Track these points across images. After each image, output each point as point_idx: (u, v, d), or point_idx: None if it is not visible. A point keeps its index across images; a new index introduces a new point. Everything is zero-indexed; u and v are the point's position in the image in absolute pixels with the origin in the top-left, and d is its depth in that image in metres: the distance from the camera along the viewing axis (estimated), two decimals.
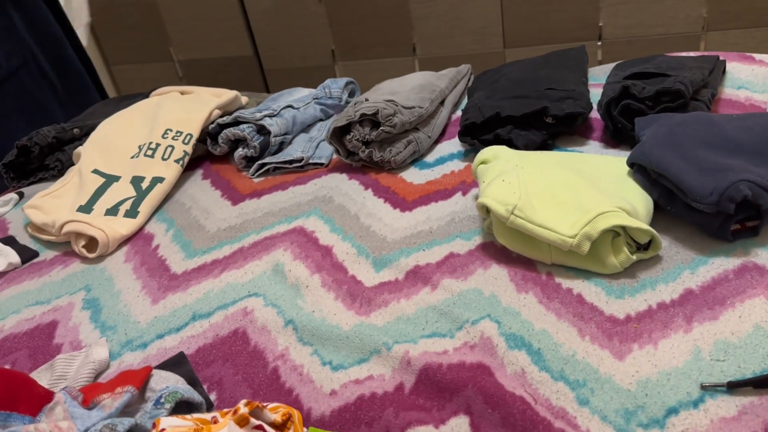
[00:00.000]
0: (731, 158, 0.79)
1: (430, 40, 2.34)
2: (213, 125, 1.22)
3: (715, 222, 0.77)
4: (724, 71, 1.15)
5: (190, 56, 2.43)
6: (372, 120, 1.09)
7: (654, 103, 0.98)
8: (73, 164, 1.26)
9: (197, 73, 2.45)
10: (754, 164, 0.78)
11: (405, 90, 1.19)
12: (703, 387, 0.62)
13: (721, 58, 1.18)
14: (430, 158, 1.13)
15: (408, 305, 0.79)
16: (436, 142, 1.18)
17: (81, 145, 1.25)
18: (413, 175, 1.08)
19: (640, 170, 0.84)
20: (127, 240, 1.05)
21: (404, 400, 0.67)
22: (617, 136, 1.02)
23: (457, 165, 1.08)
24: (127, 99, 1.53)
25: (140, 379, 0.66)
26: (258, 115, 1.18)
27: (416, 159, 1.12)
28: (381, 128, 1.07)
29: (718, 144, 0.82)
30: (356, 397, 0.68)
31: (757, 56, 1.21)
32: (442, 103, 1.22)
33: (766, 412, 0.59)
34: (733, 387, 0.61)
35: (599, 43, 2.24)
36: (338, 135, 1.11)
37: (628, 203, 0.78)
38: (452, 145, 1.15)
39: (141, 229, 1.07)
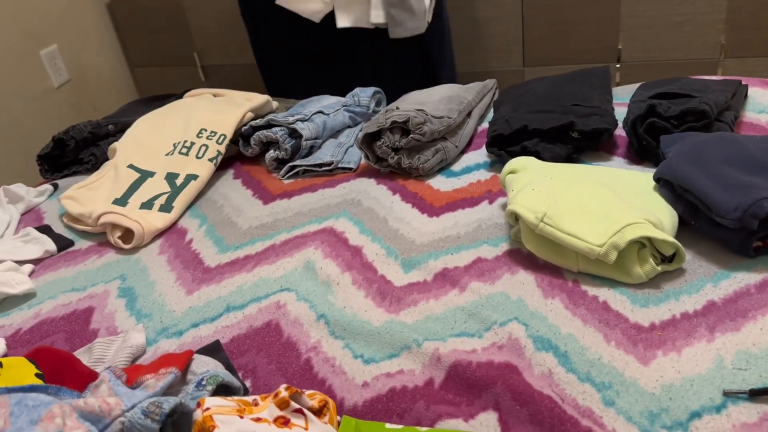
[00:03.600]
0: (755, 176, 0.82)
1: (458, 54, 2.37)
2: (246, 127, 1.25)
3: (737, 238, 0.79)
4: (746, 95, 1.18)
5: (213, 62, 2.48)
6: (402, 128, 1.12)
7: (679, 123, 1.01)
8: (107, 159, 1.30)
9: (220, 79, 2.49)
10: None
11: (433, 101, 1.22)
12: (726, 393, 0.64)
13: (743, 83, 1.21)
14: (456, 167, 1.16)
15: (437, 305, 0.82)
16: (463, 152, 1.21)
17: (115, 140, 1.29)
18: (440, 183, 1.11)
19: (665, 185, 0.87)
20: (160, 234, 1.08)
21: (434, 394, 0.69)
22: (641, 153, 1.05)
23: (483, 174, 1.11)
24: (158, 99, 1.57)
25: (183, 361, 0.69)
26: (291, 119, 1.21)
27: (443, 167, 1.15)
28: (411, 136, 1.10)
29: (741, 162, 0.85)
30: (388, 389, 0.71)
31: None
32: (469, 114, 1.26)
33: None
34: (755, 395, 0.64)
35: (618, 66, 2.27)
36: (368, 141, 1.15)
37: (655, 216, 0.81)
38: (478, 155, 1.18)
39: (174, 223, 1.11)
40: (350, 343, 0.78)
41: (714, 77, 1.26)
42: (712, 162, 0.85)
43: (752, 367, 0.67)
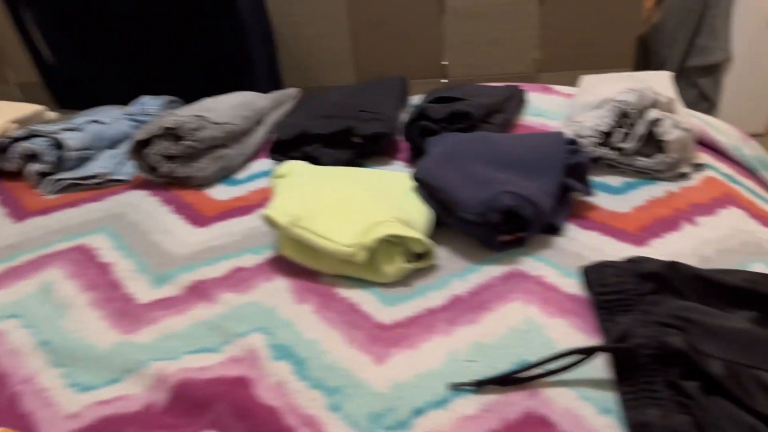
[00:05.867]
0: (501, 172, 0.83)
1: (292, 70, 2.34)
2: (3, 138, 1.12)
3: (483, 232, 0.80)
4: (522, 99, 1.23)
5: (28, 79, 2.26)
6: (177, 134, 1.05)
7: (448, 125, 1.02)
8: None
9: (34, 97, 2.28)
10: (522, 178, 0.83)
11: (221, 107, 1.17)
12: (453, 387, 0.63)
13: (522, 88, 1.27)
14: (241, 175, 1.10)
15: (180, 321, 0.75)
16: (252, 159, 1.16)
17: None
18: (220, 192, 1.05)
19: (422, 185, 0.87)
20: None
21: (152, 419, 0.62)
22: (418, 155, 1.06)
23: (267, 182, 1.06)
24: None
25: None
26: (54, 128, 1.10)
27: (226, 176, 1.10)
28: (183, 142, 1.03)
29: (492, 160, 0.86)
30: (99, 418, 0.63)
31: (556, 87, 1.32)
32: (259, 122, 1.21)
33: (507, 409, 0.61)
34: (481, 385, 0.63)
35: (445, 81, 2.35)
36: (139, 149, 1.06)
37: (405, 214, 0.80)
38: (267, 163, 1.14)
39: None
40: (71, 371, 0.69)
41: (499, 84, 1.31)
42: (463, 160, 0.86)
43: (484, 358, 0.66)
